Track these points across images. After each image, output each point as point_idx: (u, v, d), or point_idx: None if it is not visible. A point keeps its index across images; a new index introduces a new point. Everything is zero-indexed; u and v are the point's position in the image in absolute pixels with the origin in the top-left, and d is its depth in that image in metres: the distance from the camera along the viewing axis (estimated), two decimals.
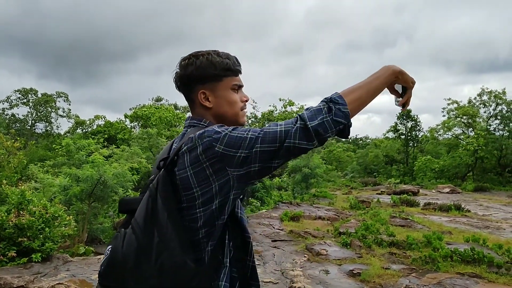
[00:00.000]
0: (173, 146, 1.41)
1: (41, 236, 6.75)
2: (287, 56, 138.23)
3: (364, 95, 1.35)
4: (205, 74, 1.43)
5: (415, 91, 1.50)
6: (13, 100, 41.78)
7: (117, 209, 11.57)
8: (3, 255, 6.21)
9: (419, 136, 45.01)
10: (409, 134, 44.54)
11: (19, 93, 41.85)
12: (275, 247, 9.28)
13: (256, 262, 7.50)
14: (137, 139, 25.12)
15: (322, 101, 1.30)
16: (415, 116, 44.08)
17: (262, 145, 1.23)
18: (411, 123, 44.27)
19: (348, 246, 8.77)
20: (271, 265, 7.35)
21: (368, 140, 70.07)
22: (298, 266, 7.23)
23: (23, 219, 6.48)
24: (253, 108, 37.06)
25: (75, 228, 11.08)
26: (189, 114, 1.56)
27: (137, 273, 1.18)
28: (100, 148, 21.40)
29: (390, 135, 47.76)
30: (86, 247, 8.24)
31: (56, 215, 7.13)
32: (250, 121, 38.06)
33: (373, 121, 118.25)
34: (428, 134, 42.97)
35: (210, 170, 1.24)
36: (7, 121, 42.20)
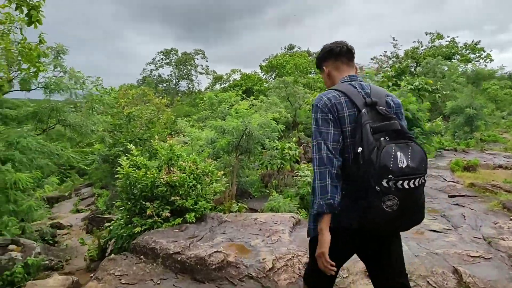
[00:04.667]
0: (370, 91, 2.24)
1: (193, 193, 6.18)
2: None
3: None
4: None
5: None
6: (157, 61, 44.92)
7: (264, 161, 10.87)
8: (157, 215, 5.76)
9: None
10: None
11: (162, 54, 44.74)
12: (457, 204, 7.51)
13: (443, 226, 5.86)
14: (274, 89, 24.46)
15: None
16: None
17: None
18: None
19: None
20: (467, 230, 5.69)
21: None
22: (508, 232, 5.45)
23: (174, 176, 5.92)
24: (394, 46, 33.36)
25: (226, 184, 10.75)
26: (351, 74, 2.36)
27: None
28: (240, 100, 21.29)
29: None
30: (239, 204, 7.63)
31: (207, 170, 6.47)
32: (391, 61, 34.62)
33: None
34: None
35: None
36: (155, 81, 45.73)
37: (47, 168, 8.56)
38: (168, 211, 5.81)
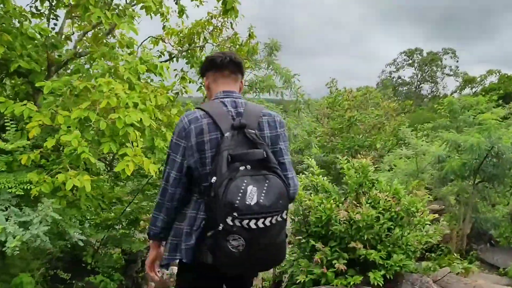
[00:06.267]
0: (246, 109, 2.00)
1: (387, 241, 4.21)
2: None
3: None
4: None
5: None
6: (398, 62, 42.08)
7: None
8: (329, 265, 4.06)
9: None
10: None
11: (405, 55, 41.66)
12: None
13: None
14: None
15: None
16: None
17: None
18: None
19: None
20: None
21: None
22: None
23: (357, 212, 4.10)
24: None
25: (453, 223, 8.03)
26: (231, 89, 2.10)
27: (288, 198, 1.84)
28: (493, 107, 17.08)
29: None
30: (464, 263, 5.09)
31: (413, 208, 4.37)
32: None
33: None
34: None
35: None
36: (394, 84, 43.09)
37: None
38: (345, 262, 4.04)
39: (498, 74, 34.13)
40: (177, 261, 1.98)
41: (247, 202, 1.65)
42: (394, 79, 42.86)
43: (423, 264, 5.22)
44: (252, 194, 1.67)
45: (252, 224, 1.66)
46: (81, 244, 4.78)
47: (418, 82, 42.49)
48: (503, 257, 6.71)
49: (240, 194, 1.66)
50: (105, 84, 4.55)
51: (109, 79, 4.66)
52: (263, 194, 1.69)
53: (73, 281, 5.70)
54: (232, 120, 1.89)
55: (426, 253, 7.90)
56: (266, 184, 1.72)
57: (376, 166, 13.73)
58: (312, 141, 11.81)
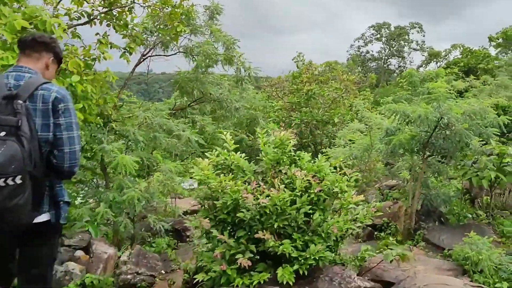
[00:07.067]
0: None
1: (306, 228, 3.56)
2: None
3: None
4: (60, 54, 2.44)
5: None
6: (367, 37, 41.55)
7: (467, 170, 7.14)
8: (231, 260, 3.36)
9: None
10: None
11: (373, 29, 41.13)
12: None
13: None
14: (506, 66, 18.59)
15: None
16: None
17: None
18: None
19: None
20: None
21: None
22: None
23: (267, 195, 3.41)
24: None
25: (404, 199, 7.55)
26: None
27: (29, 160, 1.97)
28: (453, 80, 16.78)
29: None
30: (403, 246, 4.44)
31: (336, 190, 3.71)
32: None
33: None
34: None
35: None
36: (363, 58, 42.66)
37: (176, 150, 7.11)
38: (251, 256, 3.36)
39: (461, 48, 34.01)
40: None
41: None
42: (363, 54, 42.40)
43: (362, 248, 4.62)
44: None
45: None
46: None
47: (386, 57, 42.18)
48: (449, 237, 6.22)
49: None
50: None
51: None
52: None
53: None
54: (7, 91, 2.07)
55: (376, 233, 7.42)
56: (2, 149, 1.86)
57: (332, 141, 13.23)
58: (258, 116, 10.98)
